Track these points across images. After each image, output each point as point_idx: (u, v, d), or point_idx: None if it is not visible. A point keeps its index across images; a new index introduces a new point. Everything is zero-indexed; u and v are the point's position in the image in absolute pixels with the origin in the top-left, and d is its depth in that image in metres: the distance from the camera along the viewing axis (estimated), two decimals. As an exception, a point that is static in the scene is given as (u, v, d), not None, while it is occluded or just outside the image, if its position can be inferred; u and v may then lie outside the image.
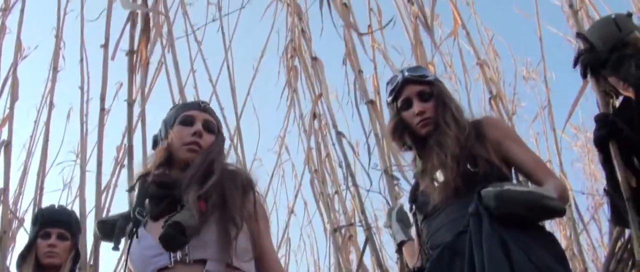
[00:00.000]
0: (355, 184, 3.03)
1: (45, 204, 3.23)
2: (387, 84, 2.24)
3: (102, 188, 2.82)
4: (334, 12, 2.95)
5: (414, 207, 2.14)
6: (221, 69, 3.63)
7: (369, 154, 2.92)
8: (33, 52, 4.06)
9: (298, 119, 3.89)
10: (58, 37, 3.60)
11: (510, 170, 2.03)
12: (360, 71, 3.11)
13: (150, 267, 1.67)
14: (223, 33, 3.66)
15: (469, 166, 1.94)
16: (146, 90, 3.00)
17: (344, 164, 3.07)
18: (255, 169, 3.80)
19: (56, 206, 2.86)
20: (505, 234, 1.71)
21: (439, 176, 1.98)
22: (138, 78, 2.79)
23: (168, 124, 1.90)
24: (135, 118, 2.67)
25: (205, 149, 1.83)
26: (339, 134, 3.11)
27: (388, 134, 2.26)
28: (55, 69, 3.55)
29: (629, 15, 2.32)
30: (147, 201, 1.79)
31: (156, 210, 1.75)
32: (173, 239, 1.58)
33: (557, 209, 1.81)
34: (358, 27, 3.14)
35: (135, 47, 2.72)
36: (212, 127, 1.90)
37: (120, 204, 3.78)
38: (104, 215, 2.72)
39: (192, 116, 1.89)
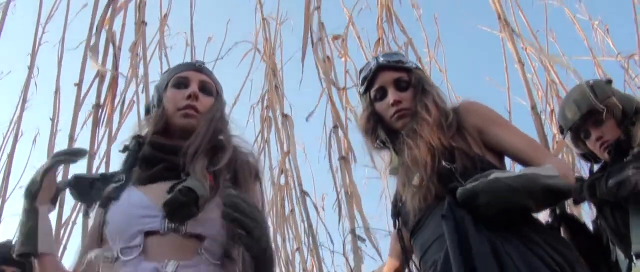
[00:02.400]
0: (315, 244, 3.02)
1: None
2: (360, 71, 1.99)
3: (62, 222, 2.77)
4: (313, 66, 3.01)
5: (398, 222, 1.84)
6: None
7: (340, 213, 2.92)
8: (6, 76, 4.04)
9: (267, 170, 3.88)
10: (31, 67, 3.56)
11: (501, 160, 1.76)
12: (335, 127, 3.09)
13: (136, 227, 1.43)
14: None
15: (444, 162, 1.65)
16: (113, 133, 2.97)
17: (306, 223, 3.06)
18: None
19: (11, 242, 2.80)
20: (496, 238, 1.45)
21: (415, 178, 1.70)
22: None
23: (160, 89, 1.68)
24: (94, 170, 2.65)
25: (203, 113, 1.61)
26: (303, 193, 3.10)
27: (359, 128, 1.98)
28: (24, 100, 3.52)
29: (609, 81, 2.34)
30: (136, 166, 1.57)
31: (147, 173, 1.52)
32: (182, 207, 1.38)
33: (562, 189, 1.51)
34: (338, 83, 3.18)
35: (102, 102, 2.71)
36: (210, 89, 1.67)
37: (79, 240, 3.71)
38: (60, 252, 2.67)
39: (186, 77, 1.66)
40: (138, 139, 1.62)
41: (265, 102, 3.86)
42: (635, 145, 2.11)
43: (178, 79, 1.66)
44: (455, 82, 4.09)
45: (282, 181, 3.52)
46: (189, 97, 1.60)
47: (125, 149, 1.63)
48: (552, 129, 3.47)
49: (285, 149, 3.37)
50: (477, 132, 1.74)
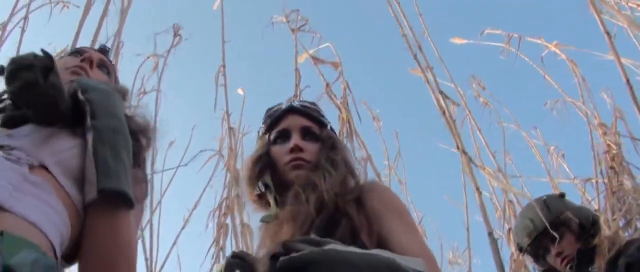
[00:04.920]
0: None
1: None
2: (267, 112, 1.77)
3: None
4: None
5: None
6: (151, 218, 3.56)
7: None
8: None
9: (221, 282, 3.75)
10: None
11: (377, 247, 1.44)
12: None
13: None
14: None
15: (313, 236, 1.35)
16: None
17: None
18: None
19: None
20: None
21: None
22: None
23: None
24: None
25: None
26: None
27: (243, 171, 1.70)
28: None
29: (562, 195, 2.35)
30: None
31: None
32: (27, 69, 1.17)
33: None
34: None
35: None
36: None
37: None
38: None
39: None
40: None
41: (223, 209, 3.81)
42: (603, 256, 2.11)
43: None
44: (414, 195, 4.12)
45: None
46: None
47: None
48: (510, 248, 3.48)
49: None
50: (374, 215, 1.47)
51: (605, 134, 3.60)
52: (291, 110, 1.71)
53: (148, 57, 3.74)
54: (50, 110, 1.26)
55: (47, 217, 1.11)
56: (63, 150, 1.24)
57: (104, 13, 3.14)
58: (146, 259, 3.31)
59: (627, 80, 2.49)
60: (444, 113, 2.89)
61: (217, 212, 3.90)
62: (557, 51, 3.63)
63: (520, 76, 4.08)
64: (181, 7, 4.89)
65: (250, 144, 3.64)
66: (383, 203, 1.51)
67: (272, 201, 1.60)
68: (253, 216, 1.81)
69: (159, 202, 3.46)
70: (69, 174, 1.22)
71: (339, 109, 3.34)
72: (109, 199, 1.21)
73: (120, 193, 1.22)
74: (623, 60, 3.16)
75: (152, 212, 3.37)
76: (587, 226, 2.23)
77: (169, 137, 3.66)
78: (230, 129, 3.45)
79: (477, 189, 2.66)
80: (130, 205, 1.25)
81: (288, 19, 3.63)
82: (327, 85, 3.43)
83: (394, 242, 1.41)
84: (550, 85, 3.81)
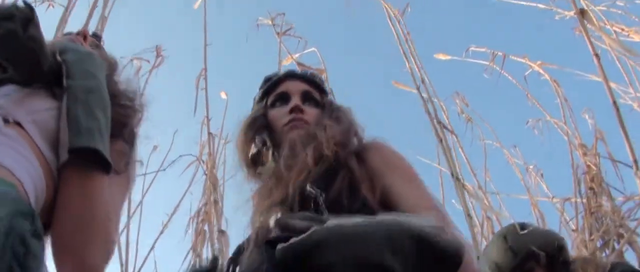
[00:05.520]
0: None
1: None
2: (265, 79, 1.65)
3: None
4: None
5: (231, 270, 1.32)
6: (128, 222, 3.51)
7: None
8: None
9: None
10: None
11: (379, 206, 1.29)
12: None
13: None
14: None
15: (309, 187, 1.22)
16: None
17: None
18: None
19: None
20: None
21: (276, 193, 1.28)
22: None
23: None
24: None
25: None
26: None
27: (237, 133, 1.57)
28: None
29: (522, 227, 2.27)
30: None
31: None
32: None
33: (446, 246, 0.98)
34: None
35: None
36: None
37: None
38: None
39: None
40: None
41: (201, 216, 3.78)
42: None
43: None
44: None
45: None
46: None
47: None
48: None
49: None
50: (376, 174, 1.33)
51: (585, 154, 3.62)
52: (291, 75, 1.61)
53: (131, 60, 3.70)
54: (31, 66, 1.19)
55: (21, 165, 1.06)
56: (40, 110, 1.19)
57: (90, 15, 3.10)
58: (121, 265, 3.25)
59: (614, 102, 2.49)
60: (441, 141, 2.88)
61: (195, 219, 3.87)
62: (541, 71, 3.64)
63: (504, 94, 4.09)
64: (165, 9, 4.85)
65: (231, 151, 3.68)
66: (385, 159, 1.38)
67: (269, 156, 1.45)
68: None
69: (139, 205, 3.41)
70: (45, 136, 1.16)
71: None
72: (81, 159, 1.13)
73: (92, 151, 1.13)
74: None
75: (129, 217, 3.32)
76: (555, 254, 2.19)
77: (152, 141, 3.65)
78: (210, 134, 3.42)
79: (469, 215, 2.64)
80: (106, 166, 1.16)
81: (273, 22, 3.59)
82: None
83: (399, 198, 1.28)
84: (533, 104, 3.83)
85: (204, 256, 3.71)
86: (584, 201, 3.55)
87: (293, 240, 1.00)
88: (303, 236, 0.99)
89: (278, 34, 3.51)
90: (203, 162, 3.74)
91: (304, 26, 3.78)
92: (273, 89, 1.58)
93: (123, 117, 1.33)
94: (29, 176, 1.07)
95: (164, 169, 3.34)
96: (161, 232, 3.91)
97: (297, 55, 3.44)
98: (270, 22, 3.57)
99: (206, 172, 3.36)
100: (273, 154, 1.45)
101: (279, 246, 1.01)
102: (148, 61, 3.61)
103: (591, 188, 3.55)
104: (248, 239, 1.33)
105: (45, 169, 1.12)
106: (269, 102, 1.56)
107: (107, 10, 3.23)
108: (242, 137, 1.54)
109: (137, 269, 3.44)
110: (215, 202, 3.31)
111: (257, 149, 1.49)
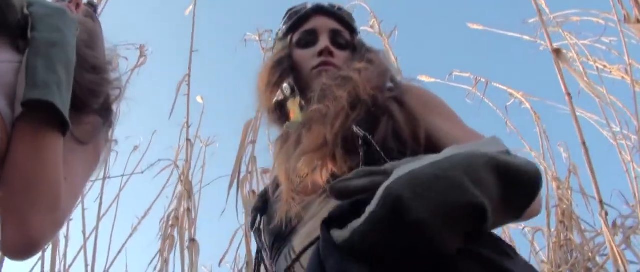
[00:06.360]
0: None
1: None
2: (289, 12, 1.51)
3: None
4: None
5: (258, 221, 1.29)
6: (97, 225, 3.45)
7: None
8: None
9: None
10: None
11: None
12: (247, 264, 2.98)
13: None
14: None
15: (355, 128, 1.10)
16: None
17: None
18: None
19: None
20: None
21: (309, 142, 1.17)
22: None
23: None
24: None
25: None
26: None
27: (261, 75, 1.44)
28: None
29: None
30: None
31: None
32: None
33: (525, 168, 0.86)
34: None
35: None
36: None
37: None
38: None
39: None
40: None
41: (170, 221, 3.73)
42: None
43: None
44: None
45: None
46: None
47: None
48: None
49: (186, 276, 3.22)
50: (415, 117, 1.23)
51: (559, 188, 3.66)
52: (319, 10, 1.46)
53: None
54: None
55: None
56: (1, 60, 1.10)
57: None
58: (86, 266, 3.18)
59: (583, 142, 2.50)
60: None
61: (165, 223, 3.82)
62: (523, 100, 3.67)
63: (484, 121, 4.10)
64: (153, 12, 4.78)
65: (210, 157, 3.64)
66: (424, 101, 1.28)
67: (296, 108, 1.32)
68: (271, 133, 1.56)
69: (109, 208, 3.35)
70: (3, 89, 1.06)
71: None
72: (36, 115, 1.04)
73: (48, 105, 1.04)
74: (587, 115, 3.22)
75: (99, 219, 3.26)
76: None
77: (133, 141, 3.60)
78: (188, 141, 3.37)
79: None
80: (63, 124, 1.07)
81: (261, 38, 3.59)
82: (292, 109, 3.40)
83: (446, 137, 1.18)
84: (512, 132, 3.86)
85: (171, 261, 3.68)
86: (554, 233, 3.60)
87: (366, 217, 0.82)
88: (373, 208, 0.82)
89: (263, 49, 3.52)
90: (178, 167, 3.70)
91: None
92: (299, 25, 1.45)
93: (93, 84, 1.21)
94: None
95: (142, 172, 3.28)
96: (130, 235, 3.86)
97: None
98: (257, 38, 3.56)
99: (182, 179, 3.31)
100: (300, 100, 1.33)
101: (346, 234, 0.84)
102: (126, 58, 3.57)
103: (562, 222, 3.60)
104: (275, 188, 1.25)
105: (0, 124, 1.03)
106: (294, 40, 1.44)
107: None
108: (266, 79, 1.41)
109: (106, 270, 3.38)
110: (188, 210, 3.26)
111: (284, 96, 1.37)
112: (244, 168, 3.12)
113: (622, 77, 3.10)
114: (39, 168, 1.04)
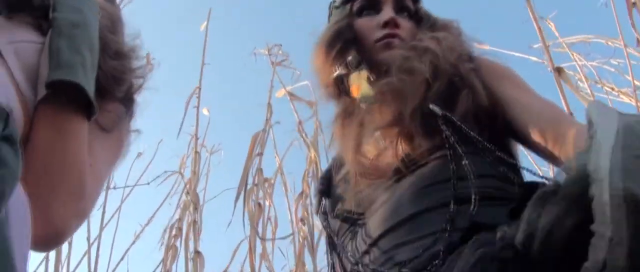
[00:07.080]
0: None
1: None
2: None
3: None
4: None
5: (324, 204, 1.24)
6: (100, 233, 3.44)
7: None
8: None
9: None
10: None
11: (504, 138, 1.14)
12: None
13: None
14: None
15: (433, 107, 1.05)
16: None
17: None
18: None
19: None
20: None
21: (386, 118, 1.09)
22: None
23: None
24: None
25: None
26: None
27: (319, 45, 1.34)
28: None
29: None
30: None
31: None
32: None
33: None
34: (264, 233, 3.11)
35: None
36: None
37: None
38: None
39: None
40: None
41: (173, 231, 3.72)
42: None
43: None
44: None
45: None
46: None
47: None
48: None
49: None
50: (488, 88, 1.15)
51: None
52: None
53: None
54: None
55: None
56: (23, 40, 1.05)
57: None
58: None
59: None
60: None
61: (168, 233, 3.81)
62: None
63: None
64: (164, 24, 4.81)
65: (215, 166, 3.64)
66: (500, 73, 1.20)
67: (363, 82, 1.22)
68: (325, 110, 1.44)
69: (111, 217, 3.35)
70: (25, 70, 1.01)
71: (309, 147, 3.31)
72: (59, 97, 0.99)
73: (72, 85, 0.99)
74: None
75: (102, 228, 3.26)
76: None
77: (137, 148, 3.61)
78: (197, 153, 3.38)
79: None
80: (88, 107, 1.03)
81: (270, 52, 3.60)
82: (300, 122, 3.40)
83: (523, 110, 1.10)
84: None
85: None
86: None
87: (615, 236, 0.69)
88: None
89: (273, 63, 3.53)
90: (183, 176, 3.71)
91: (301, 59, 3.77)
92: None
93: (116, 71, 1.16)
94: (7, 101, 0.93)
95: (148, 183, 3.28)
96: (133, 243, 3.86)
97: (289, 87, 3.45)
98: (266, 53, 3.58)
99: (188, 191, 3.31)
100: (369, 80, 1.23)
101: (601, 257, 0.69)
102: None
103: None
104: (338, 168, 1.17)
105: (24, 108, 0.98)
106: (354, 9, 1.32)
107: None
108: (325, 51, 1.31)
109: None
110: (194, 222, 3.25)
111: (348, 69, 1.27)
112: (250, 180, 3.12)
113: (629, 100, 3.09)
114: (61, 152, 0.99)
